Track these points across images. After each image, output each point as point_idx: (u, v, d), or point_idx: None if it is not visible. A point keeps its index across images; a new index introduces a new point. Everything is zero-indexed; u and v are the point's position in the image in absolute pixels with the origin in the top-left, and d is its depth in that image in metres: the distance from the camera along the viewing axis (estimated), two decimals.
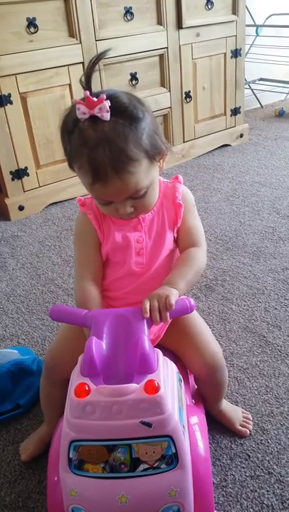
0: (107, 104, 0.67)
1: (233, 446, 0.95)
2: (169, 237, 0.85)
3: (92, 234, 0.84)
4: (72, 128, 0.71)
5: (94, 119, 0.68)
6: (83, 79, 0.71)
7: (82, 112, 0.68)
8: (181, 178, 0.87)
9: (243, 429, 0.96)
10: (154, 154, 0.74)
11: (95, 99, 0.67)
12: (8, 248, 1.75)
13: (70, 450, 0.65)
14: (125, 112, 0.70)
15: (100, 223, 0.83)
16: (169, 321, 0.73)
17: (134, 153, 0.70)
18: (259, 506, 0.84)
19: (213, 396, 0.94)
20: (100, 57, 0.70)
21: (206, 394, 0.94)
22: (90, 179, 0.71)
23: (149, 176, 0.75)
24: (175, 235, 0.86)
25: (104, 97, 0.67)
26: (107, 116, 0.68)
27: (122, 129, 0.69)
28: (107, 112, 0.68)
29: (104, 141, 0.68)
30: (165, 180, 0.87)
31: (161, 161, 0.79)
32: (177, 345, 0.88)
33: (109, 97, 0.68)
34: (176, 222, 0.84)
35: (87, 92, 0.68)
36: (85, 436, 0.64)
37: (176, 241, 0.87)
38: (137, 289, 0.83)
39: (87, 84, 0.70)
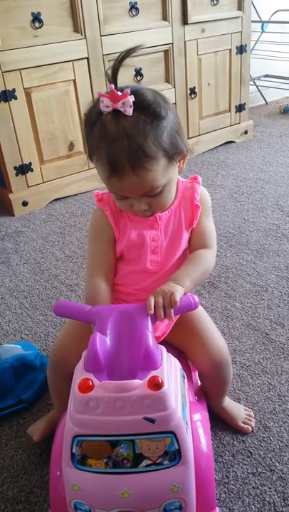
0: (131, 99, 0.67)
1: (235, 443, 0.95)
2: (185, 237, 0.85)
3: (108, 230, 0.83)
4: (95, 120, 0.71)
5: (117, 113, 0.68)
6: (110, 72, 0.71)
7: (106, 105, 0.69)
8: (200, 178, 0.86)
9: (245, 426, 0.96)
10: (174, 154, 0.74)
11: (119, 93, 0.67)
12: (11, 244, 1.75)
13: (73, 445, 0.65)
14: (148, 108, 0.69)
15: (116, 220, 0.83)
16: (174, 317, 0.73)
17: (152, 151, 0.70)
18: (261, 503, 0.84)
19: (217, 392, 0.94)
20: (129, 52, 0.70)
21: (209, 390, 0.94)
22: (106, 173, 0.71)
23: (167, 175, 0.75)
24: (189, 236, 0.86)
25: (129, 91, 0.67)
26: (129, 111, 0.68)
27: (143, 125, 0.69)
28: (130, 107, 0.68)
29: (123, 136, 0.68)
30: (184, 180, 0.86)
31: (182, 161, 0.79)
32: (183, 341, 0.88)
33: (134, 92, 0.68)
34: (192, 223, 0.84)
35: (112, 86, 0.68)
36: (88, 432, 0.64)
37: (188, 241, 0.86)
38: (149, 287, 0.82)
39: (113, 77, 0.70)
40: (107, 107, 0.69)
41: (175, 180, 0.80)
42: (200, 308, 0.91)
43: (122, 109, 0.68)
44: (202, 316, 0.90)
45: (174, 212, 0.83)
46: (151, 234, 0.83)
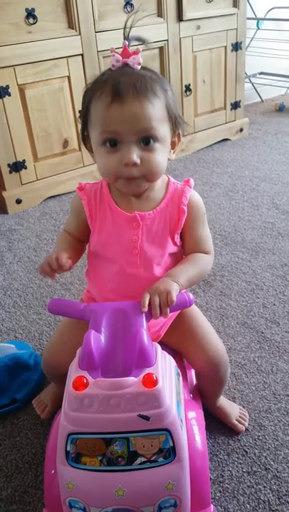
0: (141, 59, 0.72)
1: (230, 441, 0.95)
2: (169, 242, 0.81)
3: (82, 218, 0.84)
4: (101, 75, 0.75)
5: (125, 67, 0.72)
6: (127, 30, 0.75)
7: (116, 60, 0.73)
8: (192, 181, 0.84)
9: (239, 424, 0.96)
10: (173, 115, 0.76)
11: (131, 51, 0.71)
12: (5, 242, 1.74)
13: (67, 443, 0.65)
14: (154, 72, 0.76)
15: (93, 211, 0.82)
16: (169, 315, 0.73)
17: (157, 91, 0.72)
18: (256, 502, 0.84)
19: (213, 392, 0.94)
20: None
21: (205, 390, 0.94)
22: (109, 98, 0.70)
23: (164, 130, 0.74)
24: (177, 241, 0.82)
25: (140, 49, 0.73)
26: (138, 68, 0.73)
27: (151, 76, 0.73)
28: (139, 64, 0.72)
29: (132, 73, 0.72)
30: (176, 181, 0.84)
31: (176, 141, 0.80)
32: (180, 343, 0.87)
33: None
34: (176, 228, 0.81)
35: (126, 42, 0.73)
36: (82, 429, 0.64)
37: (182, 247, 0.84)
38: (134, 292, 0.77)
39: (127, 37, 0.74)
40: (118, 61, 0.72)
41: (166, 156, 0.77)
42: (196, 309, 0.91)
43: (131, 63, 0.72)
44: (199, 317, 0.89)
45: (158, 214, 0.80)
46: (130, 234, 0.80)
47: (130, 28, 0.75)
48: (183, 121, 0.79)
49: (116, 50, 0.72)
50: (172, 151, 0.81)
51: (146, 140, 0.72)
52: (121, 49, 0.73)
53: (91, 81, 0.77)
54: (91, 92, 0.75)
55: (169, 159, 0.79)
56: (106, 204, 0.82)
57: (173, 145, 0.80)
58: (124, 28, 0.74)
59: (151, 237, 0.80)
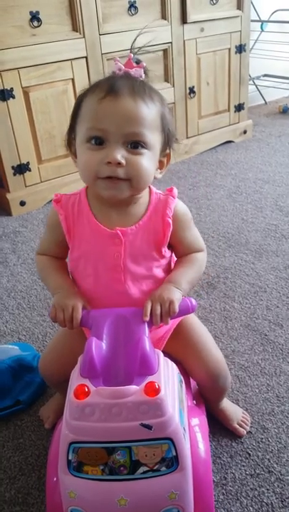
0: (143, 72, 0.72)
1: (233, 444, 0.94)
2: (155, 257, 0.77)
3: (59, 233, 0.79)
4: (102, 79, 0.74)
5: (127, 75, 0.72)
6: (131, 46, 0.76)
7: (119, 68, 0.72)
8: (175, 191, 0.78)
9: (240, 428, 0.95)
10: (168, 128, 0.74)
11: (135, 64, 0.72)
12: (9, 244, 1.75)
13: (69, 452, 0.64)
14: (154, 88, 0.75)
15: (70, 226, 0.77)
16: (170, 322, 0.72)
17: (154, 97, 0.72)
18: (259, 505, 0.84)
19: (215, 398, 0.94)
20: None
21: (207, 397, 0.93)
22: (102, 93, 0.68)
23: (154, 138, 0.71)
24: (165, 253, 0.78)
25: (144, 64, 0.73)
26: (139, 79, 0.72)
27: (151, 86, 0.74)
28: (140, 77, 0.72)
29: (132, 78, 0.72)
30: (158, 191, 0.79)
31: (165, 160, 0.77)
32: (180, 353, 0.86)
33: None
34: (162, 243, 0.76)
35: (131, 55, 0.73)
36: (84, 438, 0.63)
37: (174, 254, 0.83)
38: (125, 305, 0.75)
39: (132, 50, 0.76)
40: (120, 69, 0.72)
41: (153, 166, 0.73)
42: (196, 320, 0.89)
43: (132, 73, 0.72)
44: (199, 327, 0.88)
45: (142, 228, 0.75)
46: (112, 251, 0.74)
47: (138, 48, 0.76)
48: (175, 138, 0.76)
49: (118, 59, 0.73)
50: (159, 170, 0.76)
51: (135, 144, 0.69)
52: (125, 58, 0.74)
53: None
54: (86, 91, 0.74)
55: (154, 177, 0.74)
56: (85, 218, 0.76)
57: (161, 165, 0.77)
58: (132, 45, 0.76)
59: (135, 253, 0.75)
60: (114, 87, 0.68)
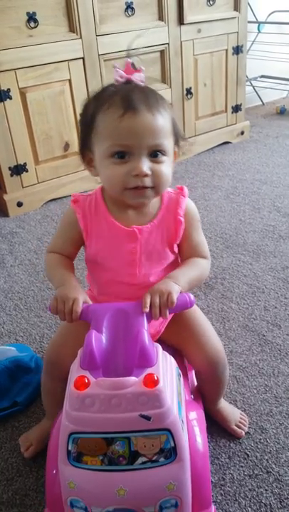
0: (143, 77, 0.74)
1: (231, 445, 0.94)
2: (167, 253, 0.82)
3: (75, 232, 0.83)
4: (104, 89, 0.75)
5: (129, 83, 0.74)
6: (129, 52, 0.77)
7: (120, 75, 0.73)
8: (186, 190, 0.83)
9: (238, 429, 0.95)
10: (178, 130, 0.77)
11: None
12: (6, 245, 1.74)
13: (69, 442, 0.65)
14: (159, 94, 0.77)
15: (88, 225, 0.81)
16: (169, 316, 0.73)
17: (165, 105, 0.74)
18: (257, 505, 0.83)
19: (213, 393, 0.94)
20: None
21: (205, 391, 0.94)
22: (121, 110, 0.70)
23: (170, 144, 0.75)
24: (175, 250, 0.83)
25: (143, 68, 0.73)
26: (142, 85, 0.74)
27: (156, 91, 0.75)
28: (142, 82, 0.73)
29: (140, 88, 0.73)
30: (169, 190, 0.83)
31: (175, 151, 0.80)
32: (180, 340, 0.88)
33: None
34: (174, 239, 0.82)
35: (130, 61, 0.73)
36: (83, 429, 0.64)
37: (179, 254, 0.85)
38: (136, 298, 0.78)
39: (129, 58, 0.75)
40: (121, 77, 0.73)
41: (171, 169, 0.78)
42: (196, 308, 0.91)
43: (134, 79, 0.72)
44: (198, 315, 0.90)
45: (156, 227, 0.80)
46: (129, 247, 0.79)
47: (135, 54, 0.76)
48: (183, 138, 0.80)
49: (117, 66, 0.74)
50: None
51: (155, 153, 0.73)
52: (121, 60, 0.74)
53: (93, 95, 0.76)
54: (96, 105, 0.74)
55: None
56: (102, 217, 0.81)
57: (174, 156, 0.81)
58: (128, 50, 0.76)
59: (150, 250, 0.80)
60: (132, 104, 0.70)
